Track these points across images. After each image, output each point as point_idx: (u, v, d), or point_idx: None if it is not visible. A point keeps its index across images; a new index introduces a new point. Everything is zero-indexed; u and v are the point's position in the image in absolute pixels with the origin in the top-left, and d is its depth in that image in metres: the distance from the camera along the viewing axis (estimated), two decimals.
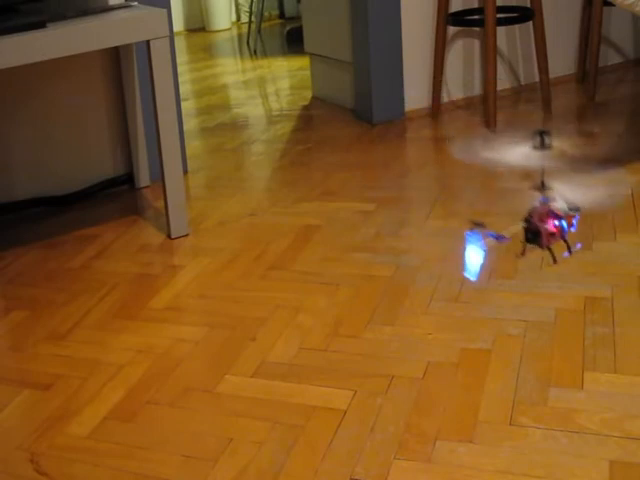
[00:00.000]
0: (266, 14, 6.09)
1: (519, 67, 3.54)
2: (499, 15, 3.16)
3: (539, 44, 3.16)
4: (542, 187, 1.15)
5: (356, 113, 3.39)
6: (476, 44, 3.40)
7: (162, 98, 2.21)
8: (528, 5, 3.32)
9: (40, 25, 2.02)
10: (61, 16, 2.11)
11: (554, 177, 1.17)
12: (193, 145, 3.19)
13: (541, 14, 3.12)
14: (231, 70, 4.64)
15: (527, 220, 1.16)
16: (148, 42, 2.15)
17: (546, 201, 1.15)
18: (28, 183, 2.59)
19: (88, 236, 2.39)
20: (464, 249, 1.15)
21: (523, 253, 1.17)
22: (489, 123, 3.06)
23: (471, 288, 1.91)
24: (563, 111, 3.23)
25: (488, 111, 3.06)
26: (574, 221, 1.16)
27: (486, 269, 1.19)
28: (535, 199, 1.16)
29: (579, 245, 1.16)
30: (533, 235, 1.15)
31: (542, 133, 1.16)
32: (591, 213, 2.26)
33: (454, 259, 2.06)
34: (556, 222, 1.15)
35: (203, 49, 5.34)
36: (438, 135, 3.08)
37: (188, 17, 6.02)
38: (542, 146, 1.16)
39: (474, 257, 1.15)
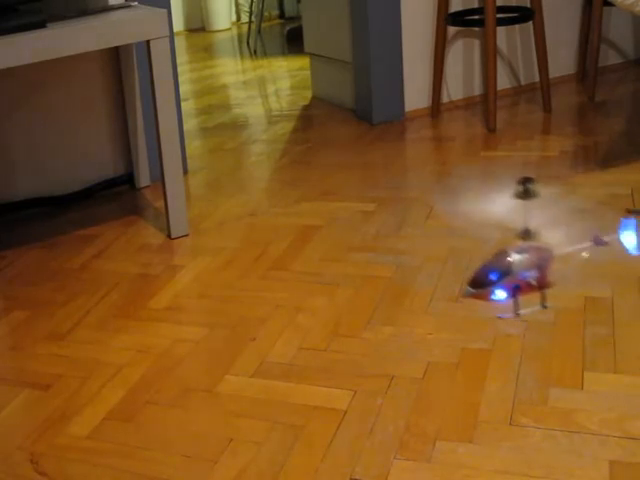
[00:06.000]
0: (266, 14, 6.09)
1: (519, 67, 3.53)
2: (499, 15, 3.16)
3: (539, 44, 3.16)
4: (527, 235, 1.06)
5: (356, 113, 3.39)
6: (476, 44, 3.40)
7: (162, 98, 2.21)
8: (528, 5, 3.32)
9: (40, 25, 2.02)
10: (61, 16, 2.11)
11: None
12: (193, 145, 3.19)
13: (541, 14, 3.12)
14: (231, 70, 4.64)
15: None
16: (148, 42, 2.15)
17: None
18: (28, 183, 2.59)
19: (88, 236, 2.39)
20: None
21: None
22: (489, 123, 3.06)
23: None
24: (563, 111, 3.23)
25: (488, 111, 3.06)
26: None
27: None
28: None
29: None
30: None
31: (526, 181, 1.07)
32: (591, 214, 2.26)
33: (454, 259, 2.06)
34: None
35: (203, 49, 5.34)
36: (438, 135, 3.08)
37: (188, 17, 6.02)
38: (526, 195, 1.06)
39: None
